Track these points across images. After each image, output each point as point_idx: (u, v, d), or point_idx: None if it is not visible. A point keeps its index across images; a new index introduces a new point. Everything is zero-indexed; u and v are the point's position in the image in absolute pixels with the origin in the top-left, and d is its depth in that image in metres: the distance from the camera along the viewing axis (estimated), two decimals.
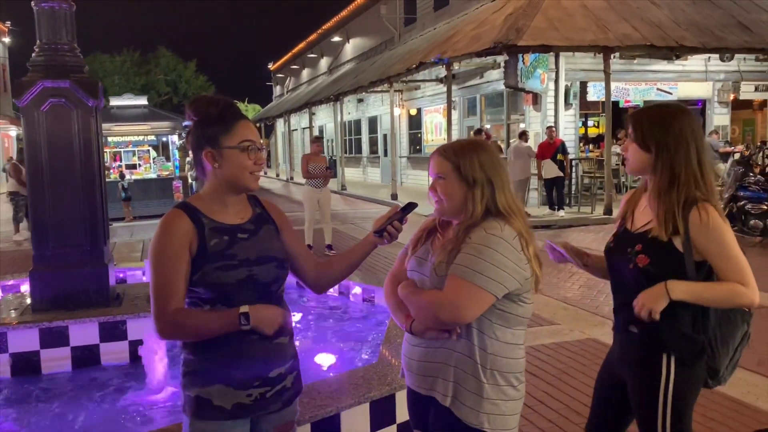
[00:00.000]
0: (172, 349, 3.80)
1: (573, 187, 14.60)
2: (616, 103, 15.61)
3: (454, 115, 18.11)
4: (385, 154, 24.46)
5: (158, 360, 3.90)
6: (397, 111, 20.81)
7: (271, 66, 48.75)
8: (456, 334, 1.89)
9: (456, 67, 15.38)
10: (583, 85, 15.40)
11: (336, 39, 32.14)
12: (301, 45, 39.16)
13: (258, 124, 38.45)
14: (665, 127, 2.14)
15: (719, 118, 16.55)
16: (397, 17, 25.52)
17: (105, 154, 15.12)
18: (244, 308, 1.81)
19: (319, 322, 5.42)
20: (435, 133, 20.94)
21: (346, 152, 28.49)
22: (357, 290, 5.69)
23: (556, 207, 13.01)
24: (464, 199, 1.91)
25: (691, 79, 16.00)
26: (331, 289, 5.79)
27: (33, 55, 4.56)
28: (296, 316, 5.44)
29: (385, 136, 24.63)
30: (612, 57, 12.96)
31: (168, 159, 18.17)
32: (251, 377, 1.89)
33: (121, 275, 5.95)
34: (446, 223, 2.03)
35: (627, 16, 13.72)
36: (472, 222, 1.89)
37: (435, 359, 1.94)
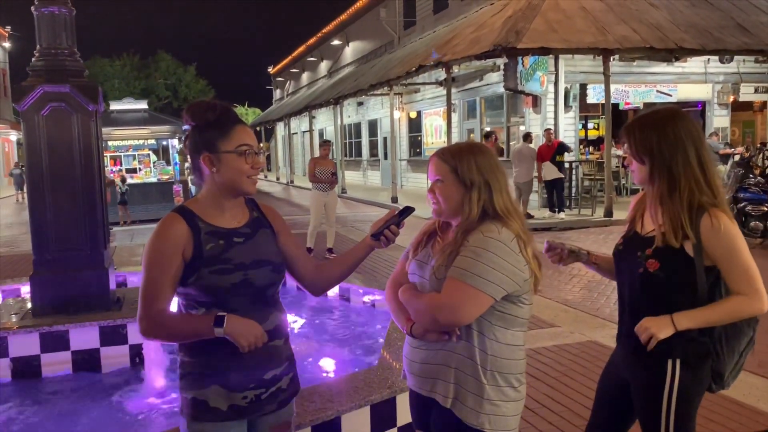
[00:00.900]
0: (173, 352, 3.80)
1: (573, 190, 14.60)
2: (615, 105, 15.62)
3: (454, 117, 18.12)
4: (385, 157, 24.48)
5: (158, 363, 3.91)
6: (396, 114, 20.84)
7: (270, 69, 48.82)
8: (455, 336, 1.90)
9: (455, 69, 15.40)
10: (583, 88, 15.41)
11: (336, 42, 32.19)
12: (301, 48, 39.21)
13: (258, 128, 38.54)
14: (658, 134, 2.12)
15: (719, 119, 16.56)
16: (397, 20, 25.55)
17: (105, 158, 15.12)
18: (221, 313, 1.83)
19: (320, 324, 5.42)
20: (435, 135, 20.95)
21: (346, 155, 28.51)
22: (358, 293, 5.69)
23: (557, 209, 13.01)
24: (461, 202, 1.93)
25: (690, 81, 16.01)
26: (333, 292, 5.81)
27: (33, 59, 4.57)
28: (298, 320, 5.44)
29: (385, 139, 24.65)
30: (611, 59, 12.98)
31: (168, 163, 18.16)
32: (246, 379, 1.91)
33: (122, 279, 5.96)
34: (446, 226, 2.04)
35: (626, 19, 13.74)
36: (469, 224, 1.91)
37: (435, 361, 1.95)
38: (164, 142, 18.61)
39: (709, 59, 15.19)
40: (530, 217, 12.98)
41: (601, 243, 10.42)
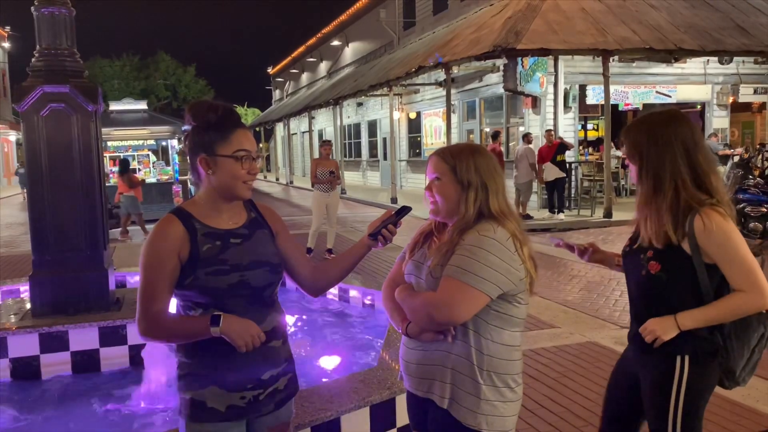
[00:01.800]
0: (172, 353, 3.80)
1: (573, 191, 14.60)
2: (615, 106, 15.62)
3: (454, 118, 18.13)
4: (385, 158, 24.48)
5: (158, 364, 3.90)
6: (396, 114, 20.83)
7: (270, 70, 48.81)
8: (451, 336, 1.91)
9: (455, 70, 15.41)
10: (582, 89, 15.42)
11: (335, 43, 32.18)
12: (301, 49, 39.22)
13: (258, 128, 38.53)
14: (648, 136, 2.17)
15: (718, 120, 16.57)
16: (397, 21, 25.55)
17: (105, 158, 15.10)
18: (218, 313, 1.84)
19: (320, 325, 5.42)
20: (434, 136, 20.95)
21: (345, 156, 28.51)
22: (357, 294, 5.69)
23: (556, 210, 13.01)
24: (458, 201, 1.94)
25: (690, 82, 16.02)
26: (332, 294, 5.81)
27: (33, 60, 4.57)
28: (297, 321, 5.44)
29: (384, 139, 24.65)
30: (611, 60, 12.99)
31: (168, 163, 18.14)
32: (244, 380, 1.91)
33: (121, 279, 5.95)
34: (443, 226, 2.05)
35: (626, 20, 13.75)
36: (465, 224, 1.92)
37: (432, 362, 1.95)
38: (164, 143, 18.58)
39: (708, 60, 15.19)
40: (529, 217, 12.98)
41: (600, 244, 10.39)
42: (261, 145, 43.41)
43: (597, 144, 17.84)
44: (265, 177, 39.84)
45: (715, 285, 2.14)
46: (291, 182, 31.98)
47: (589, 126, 19.76)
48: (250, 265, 1.93)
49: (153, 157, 18.37)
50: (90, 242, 4.55)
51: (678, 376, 2.18)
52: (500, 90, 15.40)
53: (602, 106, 13.92)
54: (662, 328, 2.12)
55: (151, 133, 17.87)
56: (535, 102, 15.07)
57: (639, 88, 15.85)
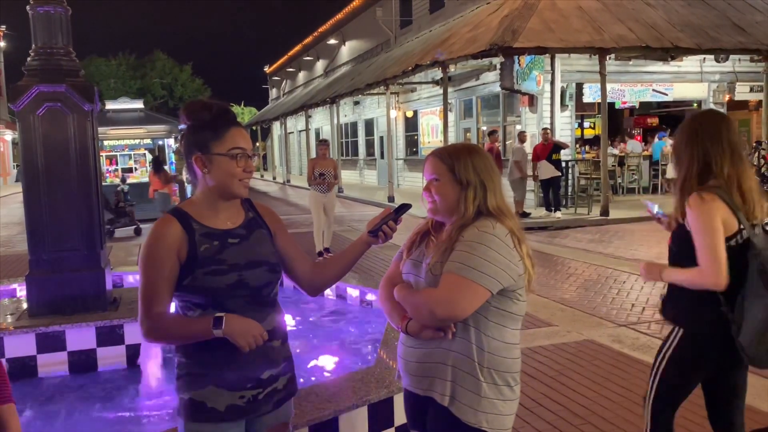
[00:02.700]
0: (170, 352, 3.79)
1: (570, 189, 14.62)
2: (612, 105, 15.64)
3: (451, 117, 18.12)
4: (382, 157, 24.47)
5: (155, 364, 3.90)
6: (393, 113, 20.83)
7: (267, 69, 48.76)
8: (451, 333, 1.91)
9: (452, 69, 15.40)
10: (579, 87, 15.43)
11: (332, 41, 32.16)
12: (297, 48, 39.18)
13: (254, 127, 38.50)
14: (681, 132, 2.52)
15: None
16: (393, 19, 25.53)
17: (101, 157, 15.06)
18: (219, 314, 1.83)
19: (317, 324, 5.42)
20: (431, 135, 20.95)
21: (342, 155, 28.50)
22: (355, 293, 5.69)
23: (553, 208, 13.02)
24: (457, 200, 1.95)
25: (686, 80, 16.05)
26: (329, 293, 5.81)
27: (28, 59, 4.55)
28: (295, 320, 5.44)
29: (381, 138, 24.64)
30: (607, 58, 13.00)
31: (164, 162, 18.11)
32: (243, 380, 1.91)
33: (118, 279, 5.94)
34: (439, 225, 2.06)
35: (622, 18, 13.76)
36: (464, 222, 1.93)
37: (432, 359, 1.95)
38: (160, 142, 18.56)
39: (704, 58, 15.21)
40: (526, 215, 12.99)
41: (597, 242, 10.45)
42: (258, 144, 43.40)
43: (592, 143, 17.85)
44: (262, 176, 39.81)
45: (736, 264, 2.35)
46: (288, 181, 31.96)
47: (586, 124, 19.80)
48: (249, 264, 1.93)
49: (149, 156, 18.34)
50: (86, 242, 4.54)
51: (668, 345, 2.51)
52: (497, 88, 15.41)
53: (599, 104, 13.93)
54: (648, 271, 2.57)
55: (148, 132, 17.84)
56: (532, 100, 15.07)
57: (635, 87, 15.87)
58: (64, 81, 4.46)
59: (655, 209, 2.92)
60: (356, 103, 26.40)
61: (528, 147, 13.44)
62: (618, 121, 20.28)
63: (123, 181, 15.52)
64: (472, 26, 15.71)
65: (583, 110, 16.65)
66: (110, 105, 18.32)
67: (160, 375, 3.94)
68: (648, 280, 2.56)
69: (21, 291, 5.38)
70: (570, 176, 14.62)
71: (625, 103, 16.27)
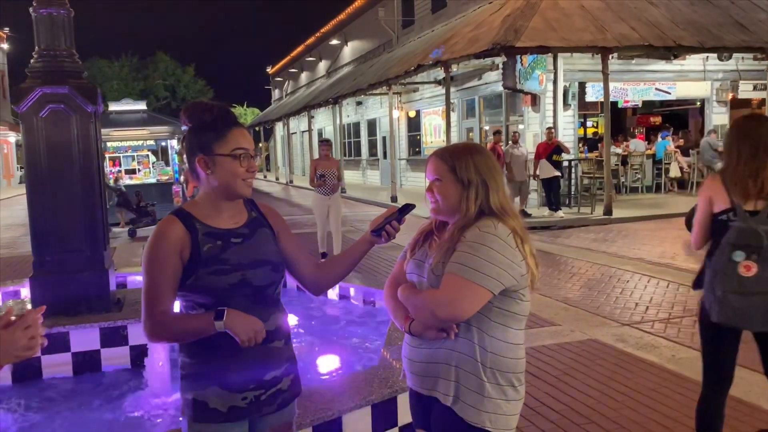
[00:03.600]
0: (172, 352, 3.80)
1: (573, 188, 14.60)
2: (614, 104, 15.61)
3: (453, 116, 18.11)
4: (385, 157, 24.47)
5: (160, 365, 3.90)
6: (395, 113, 20.81)
7: (269, 69, 48.77)
8: (454, 333, 1.90)
9: (454, 69, 15.38)
10: (582, 86, 15.40)
11: (334, 42, 32.16)
12: (300, 48, 39.18)
13: (257, 128, 38.51)
14: (730, 131, 2.92)
15: (718, 117, 16.55)
16: (395, 20, 25.53)
17: (104, 159, 15.07)
18: (222, 308, 1.84)
19: (321, 324, 5.42)
20: (434, 135, 20.94)
21: (345, 155, 28.50)
22: (358, 293, 5.69)
23: (554, 208, 13.01)
24: (459, 200, 1.95)
25: (689, 79, 16.00)
26: (333, 293, 5.81)
27: (32, 61, 4.56)
28: (298, 320, 5.44)
29: (384, 138, 24.64)
30: (610, 57, 12.96)
31: (167, 164, 18.13)
32: (246, 380, 1.91)
33: (122, 280, 5.95)
34: (443, 225, 2.06)
35: (625, 17, 13.73)
36: (466, 221, 1.93)
37: (436, 359, 1.95)
38: (163, 143, 18.58)
39: (707, 57, 15.16)
40: (527, 215, 12.98)
41: (601, 241, 10.43)
42: (261, 144, 43.42)
43: (592, 146, 17.73)
44: (265, 177, 39.82)
45: (722, 235, 2.76)
46: (291, 182, 31.96)
47: (589, 123, 19.77)
48: (251, 264, 1.93)
49: (152, 158, 18.36)
50: (90, 243, 4.55)
51: (699, 312, 2.97)
52: (499, 88, 15.39)
53: (602, 103, 13.90)
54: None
55: (151, 133, 17.86)
56: (535, 100, 15.05)
57: (638, 85, 15.83)
58: (67, 83, 4.47)
59: None
60: (359, 103, 26.39)
61: (531, 146, 13.41)
62: (621, 120, 20.24)
63: (116, 181, 15.51)
64: (474, 26, 15.69)
65: (585, 109, 16.62)
66: (113, 106, 18.33)
67: (164, 375, 3.94)
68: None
69: (25, 292, 5.39)
70: (573, 175, 14.60)
71: (627, 102, 16.23)
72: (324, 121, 31.56)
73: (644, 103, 17.17)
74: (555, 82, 14.81)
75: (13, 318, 1.46)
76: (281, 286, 2.06)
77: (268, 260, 1.98)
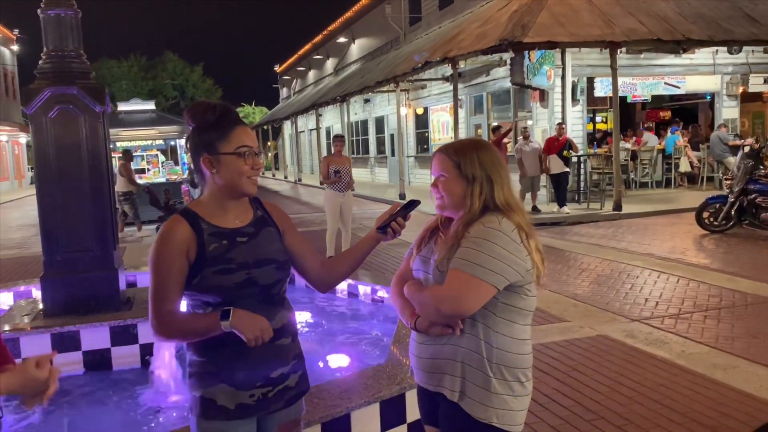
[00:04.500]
0: (183, 351, 3.82)
1: (582, 184, 14.54)
2: (623, 99, 15.52)
3: (461, 113, 18.07)
4: (393, 154, 24.45)
5: (169, 363, 3.93)
6: (403, 110, 20.79)
7: (277, 68, 48.84)
8: (459, 329, 1.91)
9: (462, 65, 15.36)
10: (590, 81, 15.33)
11: (341, 40, 32.17)
12: (307, 46, 39.21)
13: (265, 127, 38.61)
14: None
15: (728, 111, 16.44)
16: (402, 17, 25.49)
17: (113, 159, 15.12)
18: (227, 307, 1.85)
19: (329, 322, 5.43)
20: (442, 131, 20.91)
21: (353, 153, 28.51)
22: (366, 290, 5.69)
23: (561, 204, 12.95)
24: (464, 196, 1.96)
25: (699, 73, 15.90)
26: (341, 289, 5.82)
27: (40, 62, 4.59)
28: (306, 317, 5.45)
29: (392, 135, 24.61)
30: (619, 52, 12.89)
31: (176, 163, 18.22)
32: (253, 378, 1.92)
33: (132, 279, 5.98)
34: (448, 222, 2.06)
35: (633, 11, 13.65)
36: (471, 217, 1.93)
37: (442, 356, 1.96)
38: (172, 142, 18.67)
39: (717, 50, 15.07)
40: (537, 211, 12.94)
41: (610, 237, 10.39)
42: (269, 143, 43.52)
43: (599, 142, 17.64)
44: (274, 175, 39.91)
45: None
46: (299, 180, 32.02)
47: (598, 119, 19.65)
48: (257, 263, 1.94)
49: (162, 157, 18.45)
50: (99, 242, 4.57)
51: None
52: (507, 84, 15.34)
53: (610, 98, 13.84)
54: None
55: (160, 132, 17.94)
56: (543, 95, 15.00)
57: (647, 80, 15.74)
58: (75, 83, 4.49)
59: None
60: (366, 101, 26.39)
61: (540, 141, 13.38)
62: (630, 115, 20.12)
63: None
64: (481, 22, 15.64)
65: (594, 104, 16.54)
66: (122, 106, 18.43)
67: (173, 373, 3.96)
68: None
69: (37, 292, 5.43)
70: (582, 171, 14.53)
71: (636, 96, 16.14)
72: (332, 119, 31.58)
73: (653, 97, 17.07)
74: (563, 78, 14.75)
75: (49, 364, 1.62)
76: (287, 284, 2.07)
77: (274, 259, 1.99)
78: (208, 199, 1.99)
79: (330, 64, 36.38)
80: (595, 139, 17.46)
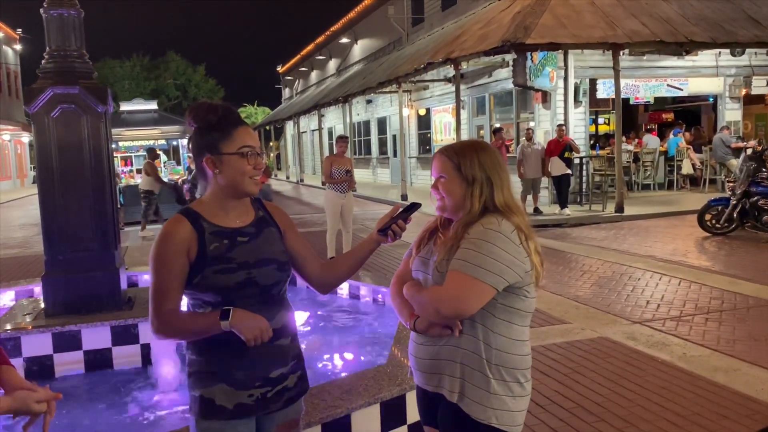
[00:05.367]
0: (179, 349, 3.82)
1: (584, 185, 14.53)
2: (626, 100, 15.51)
3: (463, 114, 18.08)
4: (395, 155, 24.46)
5: (169, 363, 3.93)
6: (405, 111, 20.80)
7: (279, 68, 48.87)
8: (458, 330, 1.91)
9: (464, 66, 15.35)
10: (593, 83, 15.32)
11: (344, 40, 32.19)
12: (310, 47, 39.24)
13: (267, 127, 38.65)
14: None
15: (731, 113, 16.42)
16: (405, 17, 25.51)
17: (116, 158, 15.17)
18: (227, 307, 1.85)
19: (330, 323, 5.43)
20: (444, 132, 20.91)
21: (355, 153, 28.53)
22: (367, 291, 5.70)
23: (562, 206, 12.95)
24: (463, 197, 1.96)
25: (701, 75, 15.87)
26: (342, 291, 5.82)
27: (43, 61, 4.60)
28: (307, 318, 5.45)
29: (394, 136, 24.63)
30: (621, 54, 12.88)
31: (179, 163, 18.25)
32: (252, 378, 1.93)
33: (134, 279, 5.99)
34: (448, 223, 2.07)
35: (636, 13, 13.64)
36: (470, 218, 1.94)
37: (441, 356, 1.96)
38: (174, 142, 18.70)
39: (720, 52, 15.04)
40: (539, 212, 12.94)
41: (612, 239, 10.38)
42: (271, 143, 43.54)
43: (607, 138, 17.68)
44: (276, 175, 39.93)
45: None
46: (301, 180, 32.04)
47: (600, 120, 19.65)
48: (258, 263, 1.95)
49: (164, 157, 18.48)
50: (101, 242, 4.58)
51: None
52: (510, 85, 15.34)
53: (613, 100, 13.82)
54: None
55: (162, 132, 17.99)
56: (545, 97, 14.99)
57: (650, 82, 15.73)
58: (78, 83, 4.50)
59: None
60: (369, 101, 26.40)
61: (543, 142, 13.37)
62: (633, 117, 20.12)
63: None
64: (484, 23, 15.64)
65: (596, 106, 16.52)
66: (125, 106, 18.48)
67: (173, 373, 3.97)
68: None
69: (38, 291, 5.44)
70: (584, 173, 14.53)
71: (638, 98, 16.13)
72: (334, 119, 31.60)
73: (656, 99, 17.05)
74: (566, 79, 14.74)
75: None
76: (287, 285, 2.07)
77: (275, 259, 2.00)
78: (209, 199, 1.99)
79: (332, 64, 36.41)
80: (597, 141, 17.47)
